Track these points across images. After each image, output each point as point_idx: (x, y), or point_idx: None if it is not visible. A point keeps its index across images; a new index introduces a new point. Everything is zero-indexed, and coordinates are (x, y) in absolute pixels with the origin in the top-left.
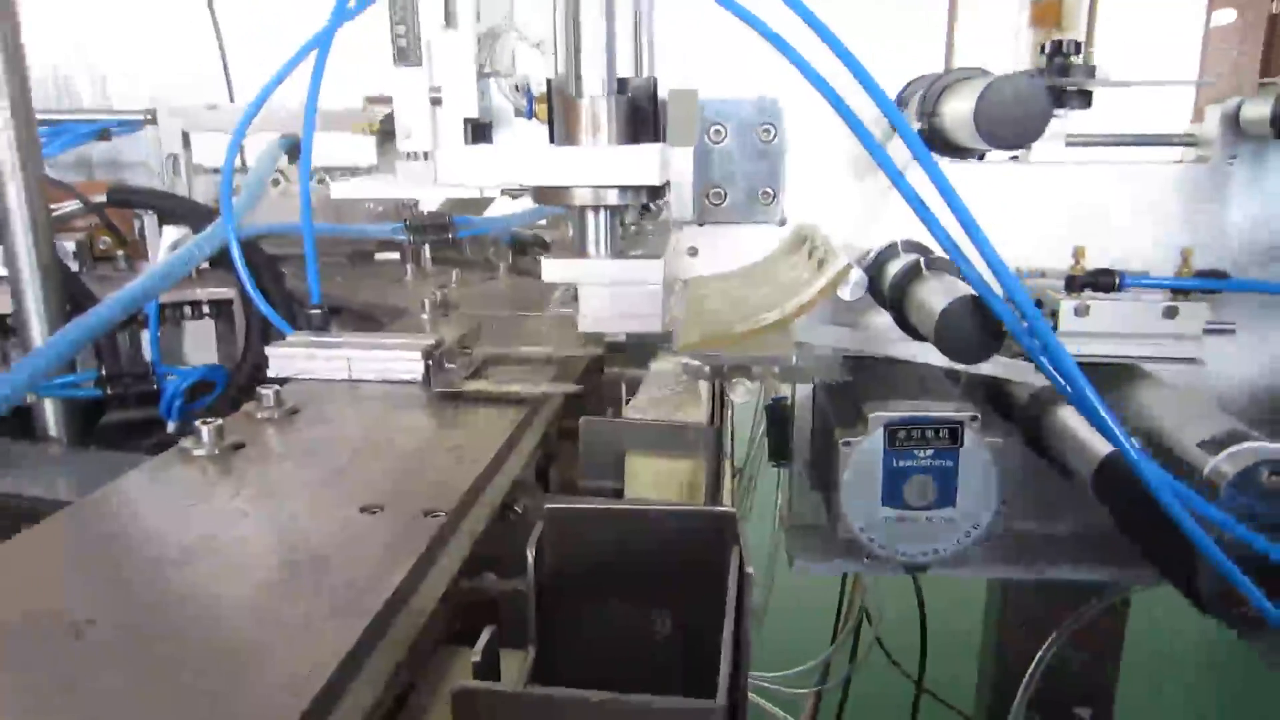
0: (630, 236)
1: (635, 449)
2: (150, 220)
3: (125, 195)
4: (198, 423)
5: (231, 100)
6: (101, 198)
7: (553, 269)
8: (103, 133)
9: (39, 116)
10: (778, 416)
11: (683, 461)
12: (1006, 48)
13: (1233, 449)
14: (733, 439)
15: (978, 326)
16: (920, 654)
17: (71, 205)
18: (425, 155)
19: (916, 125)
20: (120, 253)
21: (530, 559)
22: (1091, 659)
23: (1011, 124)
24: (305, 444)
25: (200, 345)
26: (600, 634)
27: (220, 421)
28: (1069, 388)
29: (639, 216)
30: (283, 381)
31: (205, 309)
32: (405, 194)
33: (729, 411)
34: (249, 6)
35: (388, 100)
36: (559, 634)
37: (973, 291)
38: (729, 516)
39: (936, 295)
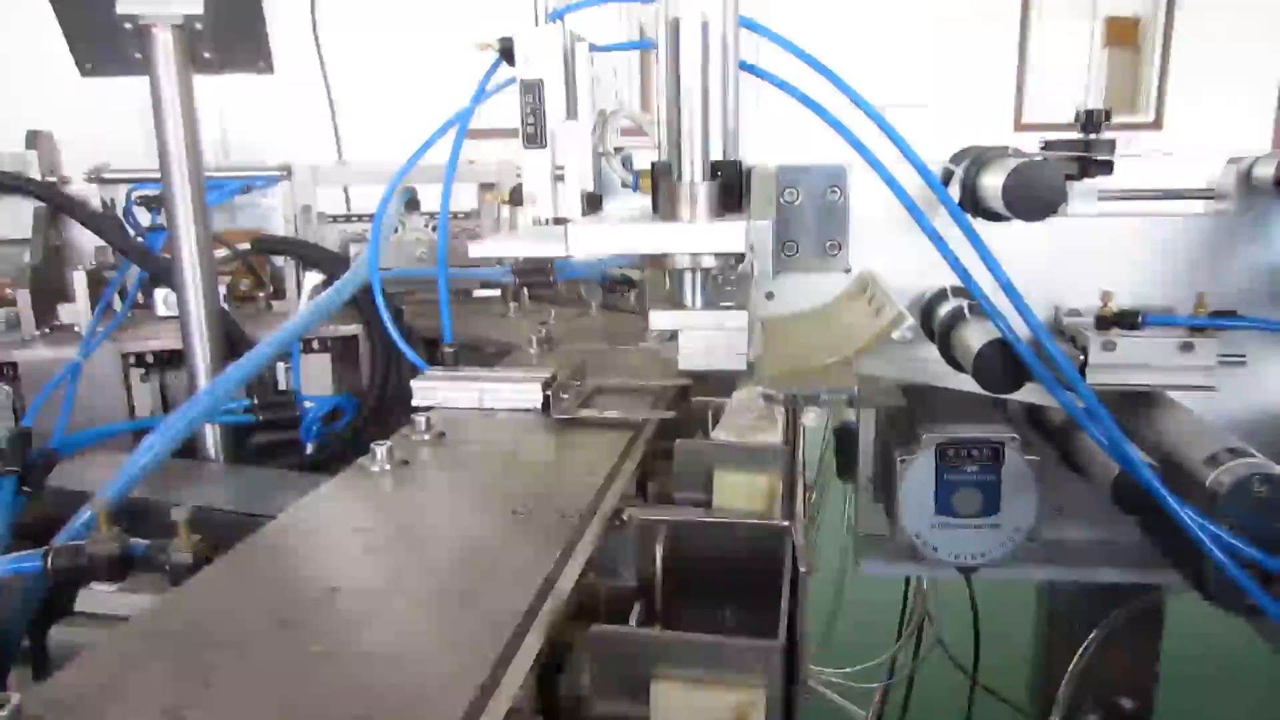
0: (716, 286)
1: (721, 466)
2: (289, 265)
3: (270, 244)
4: (373, 445)
5: (340, 157)
6: (244, 245)
7: (658, 319)
8: (245, 187)
9: None
10: (845, 438)
11: (761, 476)
12: (1078, 67)
13: (1230, 464)
14: (805, 459)
15: (1007, 365)
16: (974, 651)
17: (222, 252)
18: (548, 220)
19: (959, 193)
20: (261, 294)
21: (659, 555)
22: (1131, 655)
23: (1031, 201)
24: (457, 460)
25: (313, 377)
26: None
27: (390, 443)
28: (1089, 416)
29: (728, 269)
30: (425, 409)
31: (324, 344)
32: (533, 253)
33: (802, 434)
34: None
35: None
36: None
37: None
38: (786, 528)
39: (976, 337)
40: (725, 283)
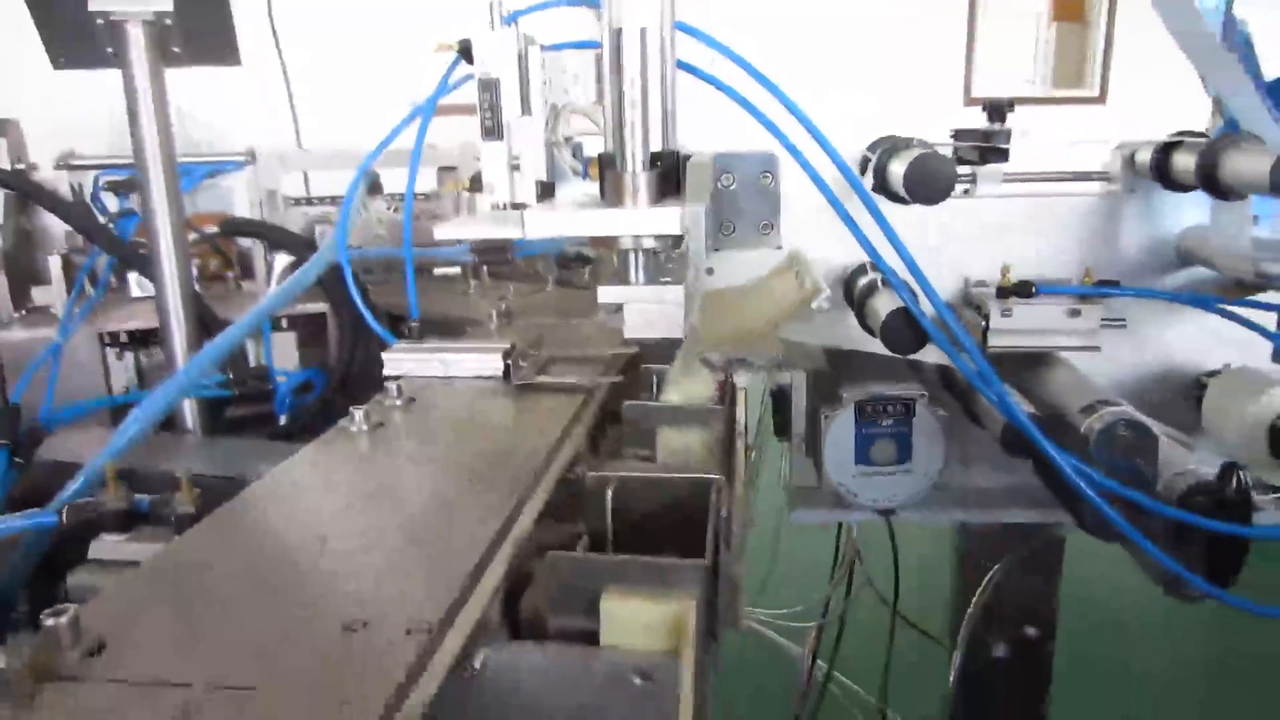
0: (661, 264)
1: (664, 425)
2: (257, 247)
3: (238, 226)
4: (351, 409)
5: (299, 143)
6: (213, 228)
7: (605, 293)
8: (212, 172)
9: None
10: (780, 400)
11: (700, 433)
12: (1027, 41)
13: (1101, 411)
14: (747, 419)
15: (908, 329)
16: (894, 588)
17: (191, 235)
18: (506, 206)
19: (874, 179)
20: (231, 274)
21: (609, 505)
22: (1034, 589)
23: (926, 188)
24: (426, 422)
25: (281, 354)
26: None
27: (366, 408)
28: (978, 373)
29: (666, 246)
30: (394, 379)
31: (292, 322)
32: (493, 235)
33: (742, 395)
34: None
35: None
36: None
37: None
38: (719, 481)
39: (884, 305)
40: (667, 260)
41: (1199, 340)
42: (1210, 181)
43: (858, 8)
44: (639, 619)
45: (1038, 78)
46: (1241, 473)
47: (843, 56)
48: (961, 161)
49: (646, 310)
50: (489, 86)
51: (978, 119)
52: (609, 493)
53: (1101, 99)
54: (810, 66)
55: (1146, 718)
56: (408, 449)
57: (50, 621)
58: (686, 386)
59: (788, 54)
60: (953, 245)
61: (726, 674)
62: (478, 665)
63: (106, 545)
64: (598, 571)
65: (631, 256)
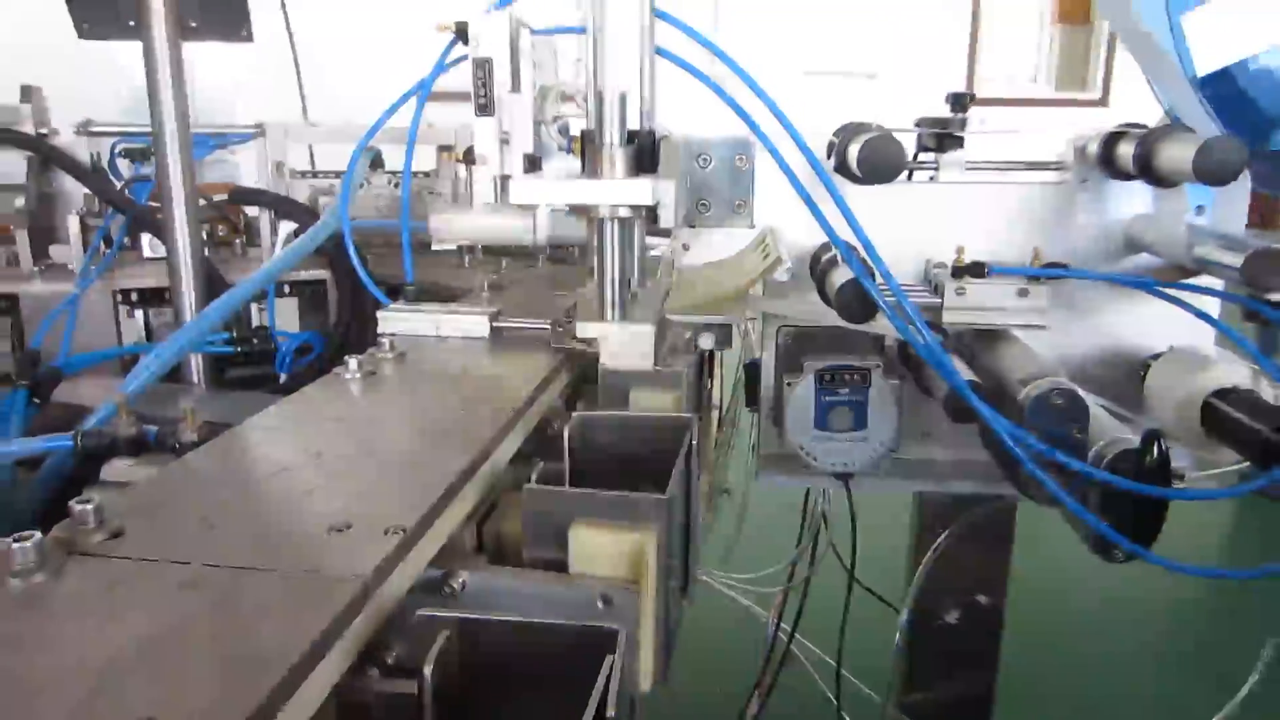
0: (634, 301)
1: (635, 386)
2: (263, 215)
3: (245, 195)
4: (346, 357)
5: (305, 116)
6: (222, 196)
7: (584, 329)
8: (223, 144)
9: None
10: (751, 372)
11: (668, 394)
12: (1030, 43)
13: (1037, 381)
14: (720, 387)
15: (858, 299)
16: (851, 552)
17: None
18: (497, 178)
19: (834, 162)
20: (238, 240)
21: (566, 440)
22: (985, 557)
23: (874, 169)
24: (417, 373)
25: (283, 318)
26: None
27: (360, 357)
28: (925, 345)
29: (645, 226)
30: (387, 336)
31: (294, 288)
32: (482, 228)
33: (720, 371)
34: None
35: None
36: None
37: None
38: (689, 420)
39: (839, 277)
40: (638, 302)
41: (1151, 324)
42: (1147, 170)
43: (863, 5)
44: (605, 548)
45: (1040, 79)
46: (1161, 441)
47: (846, 52)
48: (925, 149)
49: (619, 344)
50: (483, 65)
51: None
52: (580, 432)
53: (1104, 101)
54: (815, 60)
55: (1093, 686)
56: (396, 394)
57: (78, 507)
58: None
59: (793, 48)
60: (916, 229)
61: (697, 634)
62: (457, 585)
63: (117, 468)
64: (568, 503)
65: (608, 293)
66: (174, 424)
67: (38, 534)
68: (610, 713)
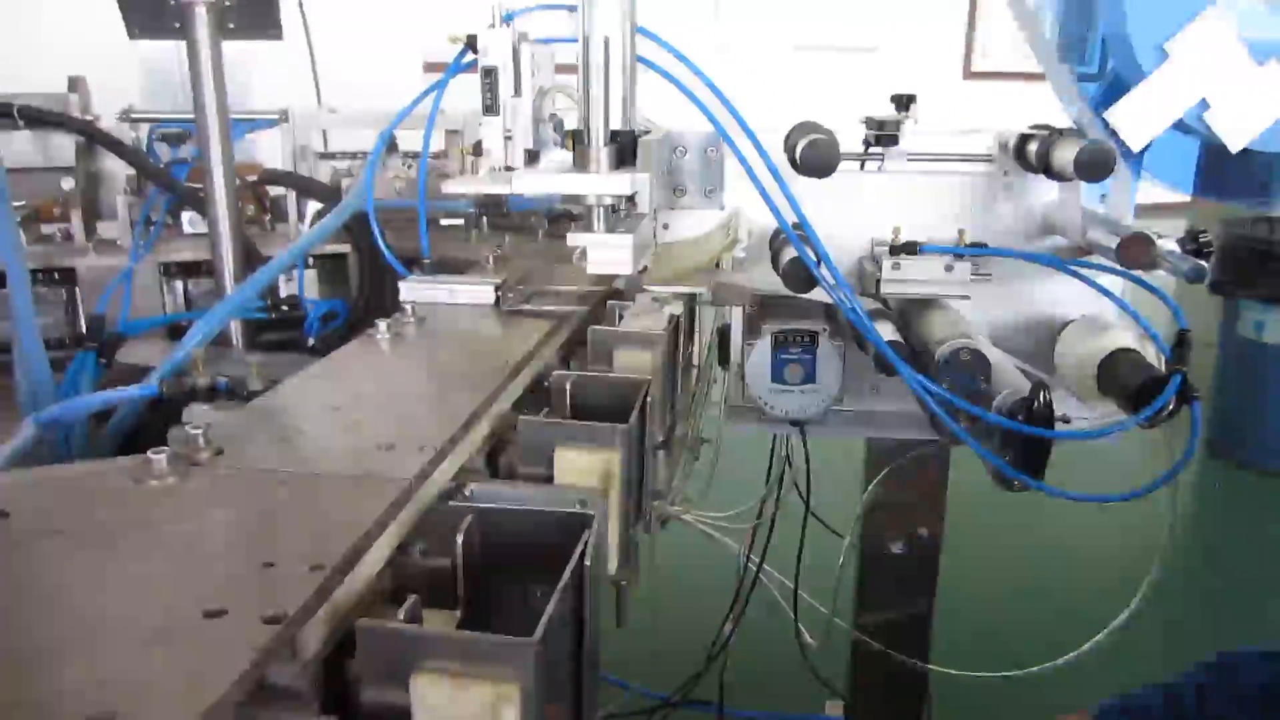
0: (618, 217)
1: (619, 346)
2: (290, 195)
3: (274, 176)
4: (376, 320)
5: (319, 103)
6: (252, 178)
7: (573, 238)
8: (251, 128)
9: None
10: (723, 335)
11: (647, 352)
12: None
13: (950, 340)
14: (697, 349)
15: (800, 273)
16: (806, 489)
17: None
18: (500, 168)
19: (787, 157)
20: (266, 218)
21: (568, 396)
22: (924, 494)
23: (811, 165)
24: (435, 333)
25: (308, 288)
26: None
27: (388, 321)
28: (850, 309)
29: (628, 207)
30: (408, 303)
31: (318, 261)
32: (488, 191)
33: (699, 337)
34: None
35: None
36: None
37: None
38: (646, 383)
39: (786, 255)
40: (626, 215)
41: (1071, 297)
42: (1048, 167)
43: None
44: (581, 466)
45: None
46: (1045, 391)
47: (843, 27)
48: (870, 144)
49: (603, 253)
50: (489, 73)
51: (977, 92)
52: (568, 386)
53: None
54: (816, 37)
55: (1019, 602)
56: (420, 351)
57: (191, 431)
58: (644, 321)
59: (795, 24)
60: (864, 213)
61: (676, 566)
62: (468, 493)
63: (198, 413)
64: (554, 433)
65: (595, 211)
66: (243, 376)
67: (168, 448)
68: (587, 562)
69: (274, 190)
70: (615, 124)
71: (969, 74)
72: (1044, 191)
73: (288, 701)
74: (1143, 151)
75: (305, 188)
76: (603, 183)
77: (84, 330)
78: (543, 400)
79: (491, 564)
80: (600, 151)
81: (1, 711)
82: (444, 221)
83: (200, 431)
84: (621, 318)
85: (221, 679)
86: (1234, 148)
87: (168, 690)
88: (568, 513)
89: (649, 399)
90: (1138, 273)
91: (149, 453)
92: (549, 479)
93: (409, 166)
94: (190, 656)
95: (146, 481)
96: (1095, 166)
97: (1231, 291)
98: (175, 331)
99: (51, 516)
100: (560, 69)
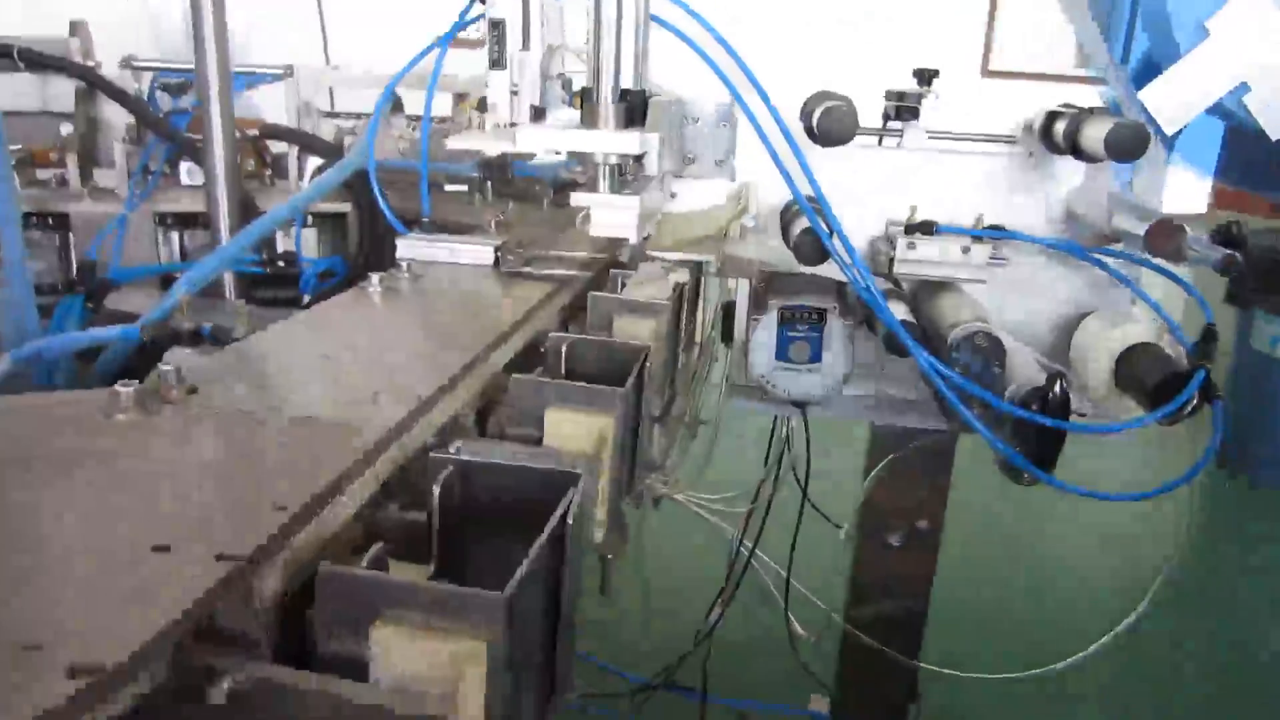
0: (624, 180)
1: (619, 314)
2: (291, 151)
3: (275, 131)
4: (370, 274)
5: (327, 60)
6: (253, 132)
7: (577, 198)
8: (253, 83)
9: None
10: (727, 311)
11: (648, 321)
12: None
13: (964, 324)
14: (703, 330)
15: (812, 245)
16: (805, 474)
17: None
18: (507, 124)
19: (803, 126)
20: (266, 173)
21: (563, 360)
22: (927, 486)
23: (828, 132)
24: (430, 291)
25: (308, 246)
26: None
27: (382, 275)
28: (864, 286)
29: (634, 170)
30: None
31: (311, 219)
32: (493, 148)
33: (702, 312)
34: None
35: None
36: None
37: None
38: (646, 349)
39: (798, 227)
40: (632, 178)
41: (1092, 289)
42: (1076, 147)
43: None
44: (574, 429)
45: (1059, 54)
46: (1062, 381)
47: (858, 21)
48: (891, 118)
49: (607, 214)
50: (497, 25)
51: (997, 91)
52: (563, 350)
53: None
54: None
55: (1018, 604)
56: (412, 306)
57: (162, 368)
58: (647, 289)
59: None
60: (880, 192)
61: (668, 548)
62: (453, 450)
63: (178, 355)
64: (547, 392)
65: (601, 171)
66: (229, 325)
67: (136, 383)
68: (570, 521)
69: (277, 148)
70: (626, 82)
71: (987, 72)
72: (1068, 176)
73: (238, 647)
74: (1175, 135)
75: (307, 143)
76: (610, 140)
77: (74, 276)
78: (538, 364)
79: (472, 520)
80: (609, 108)
81: None
82: (448, 187)
83: (171, 368)
84: (624, 285)
85: (160, 615)
86: (1275, 135)
87: (102, 624)
88: (553, 470)
89: (648, 366)
90: (1163, 263)
91: (117, 385)
92: (540, 442)
93: (413, 128)
94: (132, 591)
95: (114, 415)
96: (1128, 146)
97: (1247, 302)
98: (168, 283)
99: (11, 443)
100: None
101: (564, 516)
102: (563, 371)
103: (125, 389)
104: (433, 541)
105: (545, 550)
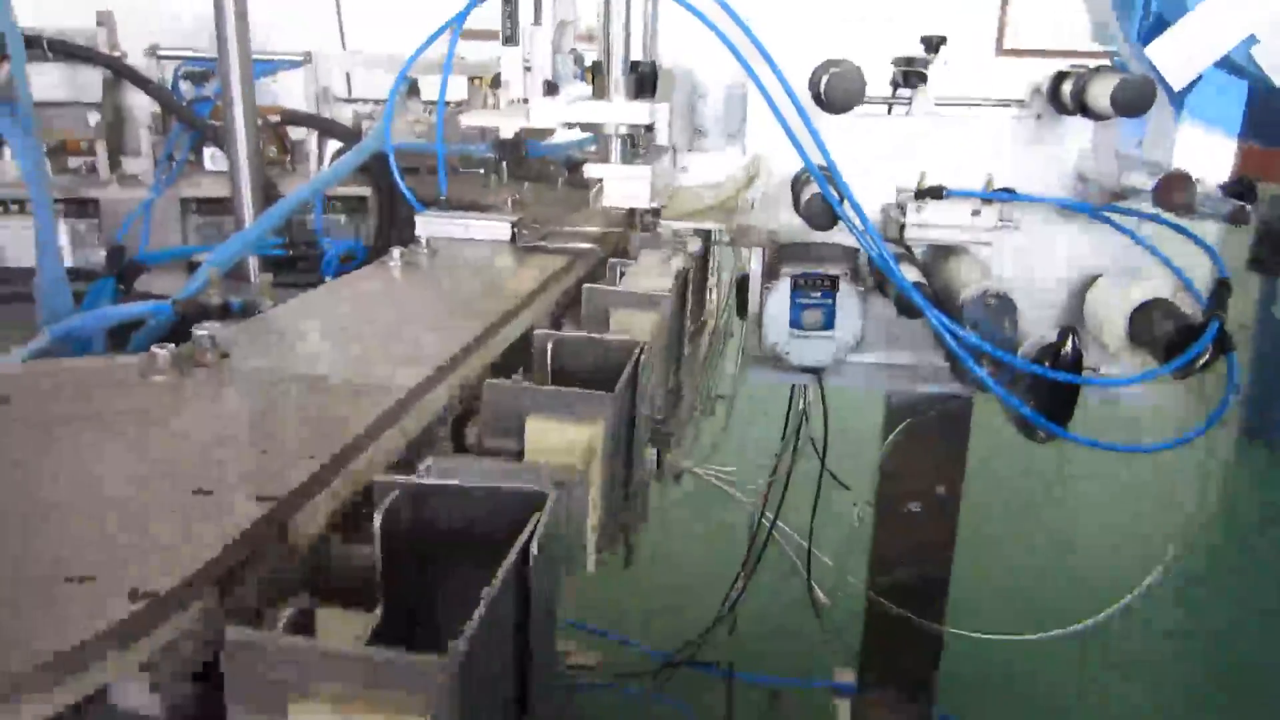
0: (635, 152)
1: (616, 307)
2: (310, 137)
3: (295, 116)
4: (390, 249)
5: (344, 46)
6: (274, 118)
7: (590, 169)
8: (274, 69)
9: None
10: (742, 284)
11: (649, 314)
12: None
13: (975, 284)
14: (717, 305)
15: (822, 208)
16: (824, 443)
17: None
18: (520, 100)
19: (812, 93)
20: (287, 158)
21: (549, 359)
22: (945, 453)
23: (836, 95)
24: (448, 265)
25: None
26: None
27: (402, 250)
28: (874, 248)
29: (646, 142)
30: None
31: (337, 205)
32: (506, 125)
33: (717, 290)
34: None
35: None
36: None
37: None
38: (640, 345)
39: (808, 192)
40: (643, 149)
41: (1104, 250)
42: (1083, 105)
43: None
44: (556, 439)
45: (1073, 32)
46: (1074, 336)
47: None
48: (899, 85)
49: (620, 184)
50: (511, 1)
51: (1010, 69)
52: (549, 347)
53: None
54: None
55: (1038, 567)
56: (430, 280)
57: (197, 333)
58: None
59: None
60: (891, 161)
61: (685, 520)
62: (424, 468)
63: (208, 328)
64: (525, 398)
65: (613, 142)
66: (254, 297)
67: (172, 345)
68: (533, 552)
69: (296, 133)
70: (636, 54)
71: (1001, 51)
72: (1078, 137)
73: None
74: (1185, 91)
75: (326, 128)
76: (620, 110)
77: (103, 258)
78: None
79: (439, 551)
80: (619, 80)
81: None
82: (464, 170)
83: (206, 334)
84: (623, 276)
85: (207, 549)
86: None
87: (154, 558)
88: (516, 489)
89: (642, 364)
90: (1172, 218)
91: (153, 348)
92: (521, 455)
93: (430, 112)
94: (179, 529)
95: (151, 376)
96: (1135, 100)
97: (1273, 269)
98: (194, 266)
99: (53, 403)
100: None
101: (525, 549)
102: (548, 372)
103: (162, 351)
104: (378, 585)
105: (509, 587)
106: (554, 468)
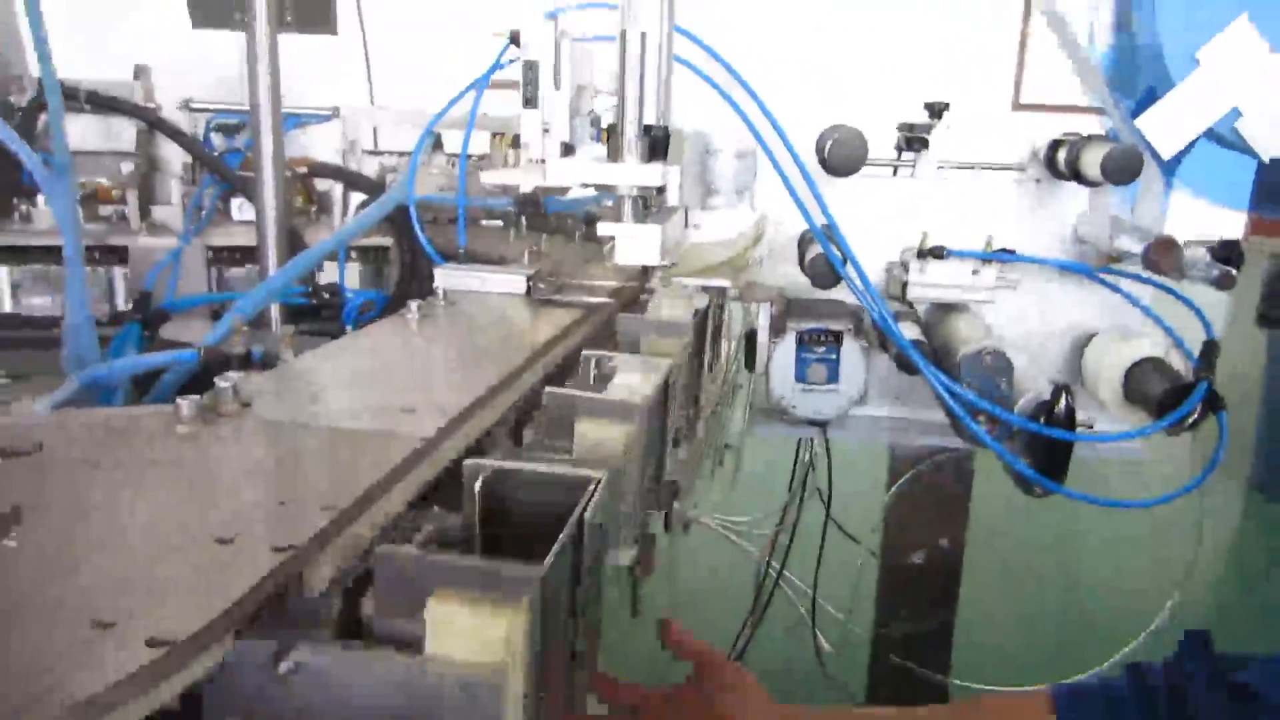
0: (647, 211)
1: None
2: (336, 188)
3: (321, 169)
4: (408, 301)
5: (372, 101)
6: (302, 170)
7: (603, 228)
8: (303, 123)
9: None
10: (750, 339)
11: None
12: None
13: (973, 343)
14: (728, 359)
15: (827, 269)
16: (829, 493)
17: None
18: (538, 160)
19: (818, 158)
20: (312, 208)
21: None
22: (948, 506)
23: (838, 160)
24: (466, 317)
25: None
26: None
27: (419, 302)
28: (874, 308)
29: (658, 202)
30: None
31: (356, 255)
32: (525, 183)
33: (723, 344)
34: None
35: None
36: None
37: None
38: (592, 480)
39: (812, 251)
40: (656, 209)
41: (1100, 309)
42: (1077, 172)
43: (908, 8)
44: (467, 626)
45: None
46: (1067, 394)
47: (898, 55)
48: (899, 149)
49: (631, 243)
50: (531, 66)
51: (1027, 123)
52: (478, 485)
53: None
54: (866, 60)
55: (1041, 618)
56: (447, 331)
57: (221, 383)
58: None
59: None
60: (895, 221)
61: (693, 569)
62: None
63: (230, 378)
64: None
65: (625, 203)
66: (276, 346)
67: (197, 397)
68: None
69: (323, 185)
70: (650, 118)
71: (1018, 105)
72: (1075, 200)
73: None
74: (1175, 161)
75: (351, 181)
76: (633, 173)
77: (131, 306)
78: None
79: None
80: (633, 143)
81: (14, 608)
82: (485, 222)
83: (228, 385)
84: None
85: (223, 597)
86: (1266, 156)
87: (171, 605)
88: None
89: (595, 505)
90: (1164, 280)
91: (178, 399)
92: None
93: (452, 165)
94: (199, 578)
95: (174, 427)
96: (1123, 169)
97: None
98: (219, 314)
99: (82, 450)
100: None
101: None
102: (476, 516)
103: (186, 402)
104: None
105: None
106: (465, 669)
